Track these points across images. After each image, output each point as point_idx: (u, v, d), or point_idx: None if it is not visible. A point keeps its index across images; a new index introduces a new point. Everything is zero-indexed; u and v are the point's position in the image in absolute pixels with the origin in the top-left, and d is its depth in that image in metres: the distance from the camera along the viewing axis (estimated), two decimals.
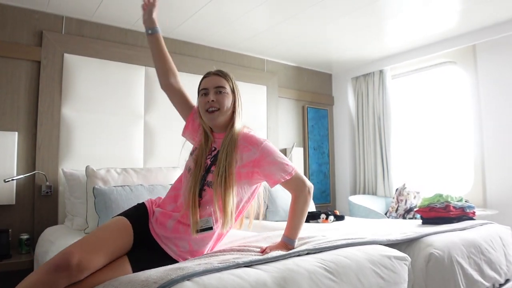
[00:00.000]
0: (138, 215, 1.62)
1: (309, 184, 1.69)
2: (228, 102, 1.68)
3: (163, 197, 1.75)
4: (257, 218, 1.83)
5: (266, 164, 1.61)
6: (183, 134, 1.86)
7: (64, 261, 1.25)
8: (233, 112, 1.71)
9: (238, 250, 1.59)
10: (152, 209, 1.66)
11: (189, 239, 1.55)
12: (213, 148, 1.69)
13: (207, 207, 1.57)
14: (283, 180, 1.62)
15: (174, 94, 1.82)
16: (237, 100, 1.72)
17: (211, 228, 1.55)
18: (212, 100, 1.64)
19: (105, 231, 1.49)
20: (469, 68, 3.82)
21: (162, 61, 1.79)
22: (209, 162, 1.65)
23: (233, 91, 1.72)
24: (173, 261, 1.52)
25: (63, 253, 1.29)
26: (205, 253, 1.61)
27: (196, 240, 1.56)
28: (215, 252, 1.59)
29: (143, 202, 1.71)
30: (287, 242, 1.63)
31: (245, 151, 1.62)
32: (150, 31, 1.80)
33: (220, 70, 1.75)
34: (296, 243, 1.66)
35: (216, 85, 1.68)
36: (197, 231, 1.53)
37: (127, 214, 1.60)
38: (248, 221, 1.84)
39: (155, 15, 1.79)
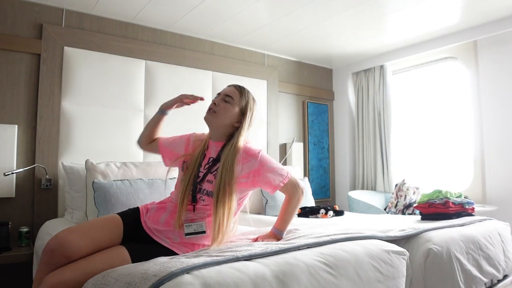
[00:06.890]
0: (129, 213, 1.76)
1: (302, 185, 1.82)
2: (227, 112, 1.76)
3: (156, 201, 1.86)
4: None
5: (265, 171, 1.72)
6: (168, 165, 1.96)
7: (51, 240, 1.45)
8: (238, 128, 1.78)
9: (231, 241, 1.70)
10: (144, 210, 1.78)
11: (180, 232, 1.64)
12: (210, 159, 1.77)
13: (202, 212, 1.67)
14: (282, 185, 1.75)
15: (151, 148, 2.00)
16: (246, 118, 1.79)
17: (204, 232, 1.65)
18: (215, 103, 1.77)
19: (95, 220, 1.72)
20: (470, 64, 3.80)
21: (153, 133, 1.98)
22: (204, 171, 1.74)
23: (243, 109, 1.79)
24: (169, 250, 1.61)
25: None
26: (198, 244, 1.70)
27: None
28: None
29: (137, 206, 1.84)
30: (277, 233, 1.78)
31: (245, 162, 1.72)
32: (163, 112, 1.94)
33: (241, 86, 1.85)
34: (284, 235, 1.81)
35: (227, 93, 1.79)
36: (189, 234, 1.62)
37: (120, 213, 1.75)
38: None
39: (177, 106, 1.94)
